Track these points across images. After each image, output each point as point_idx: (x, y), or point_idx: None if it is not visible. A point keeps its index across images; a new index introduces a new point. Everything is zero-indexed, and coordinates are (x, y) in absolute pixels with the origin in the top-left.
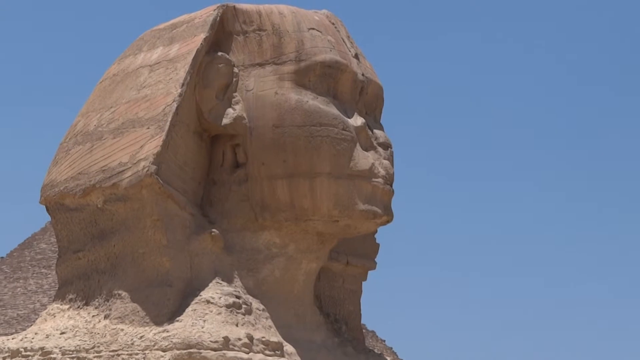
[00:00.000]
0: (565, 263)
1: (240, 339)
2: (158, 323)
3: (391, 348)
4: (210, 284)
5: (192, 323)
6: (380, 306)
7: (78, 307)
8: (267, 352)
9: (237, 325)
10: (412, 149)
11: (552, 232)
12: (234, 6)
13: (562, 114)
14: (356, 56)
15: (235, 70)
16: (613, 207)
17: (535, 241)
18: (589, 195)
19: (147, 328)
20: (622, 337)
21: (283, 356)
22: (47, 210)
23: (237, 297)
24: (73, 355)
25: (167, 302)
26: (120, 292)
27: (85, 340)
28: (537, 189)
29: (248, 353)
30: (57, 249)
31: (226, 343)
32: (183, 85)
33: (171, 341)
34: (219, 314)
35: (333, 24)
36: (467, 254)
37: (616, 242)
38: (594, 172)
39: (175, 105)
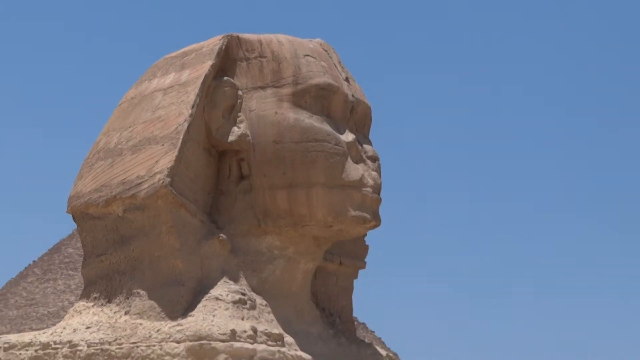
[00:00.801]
0: (543, 256)
1: (245, 331)
2: (173, 318)
3: (380, 338)
4: (219, 283)
5: (203, 317)
6: (370, 301)
7: (101, 305)
8: (269, 342)
9: (242, 319)
10: (398, 160)
11: (527, 228)
12: (238, 36)
13: (549, 121)
14: (347, 79)
15: (240, 92)
16: (600, 216)
17: (507, 235)
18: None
19: (163, 322)
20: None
21: (284, 346)
22: (74, 218)
23: (243, 294)
24: (97, 347)
25: (180, 299)
26: (139, 290)
27: (108, 334)
28: (511, 188)
29: (253, 344)
30: (82, 253)
31: (233, 335)
32: (193, 106)
33: (184, 334)
34: (227, 309)
35: (326, 51)
36: (448, 254)
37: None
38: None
39: (187, 125)
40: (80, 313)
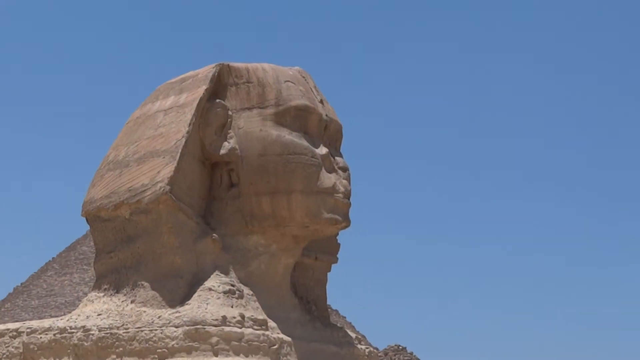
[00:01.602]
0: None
1: (234, 317)
2: (172, 306)
3: (350, 323)
4: (212, 276)
5: (198, 305)
6: (341, 291)
7: (111, 295)
8: (255, 327)
9: (232, 307)
10: (366, 171)
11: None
12: (228, 64)
13: (507, 123)
14: (321, 101)
15: (230, 113)
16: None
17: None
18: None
19: (163, 310)
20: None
21: (267, 330)
22: (87, 221)
23: (232, 285)
24: (107, 332)
25: (178, 290)
26: (143, 282)
27: (116, 320)
28: (459, 186)
29: (241, 328)
30: (95, 251)
31: (224, 320)
32: (190, 125)
33: (182, 320)
34: (219, 298)
35: (303, 77)
36: (408, 250)
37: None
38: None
39: (184, 140)
40: (93, 302)
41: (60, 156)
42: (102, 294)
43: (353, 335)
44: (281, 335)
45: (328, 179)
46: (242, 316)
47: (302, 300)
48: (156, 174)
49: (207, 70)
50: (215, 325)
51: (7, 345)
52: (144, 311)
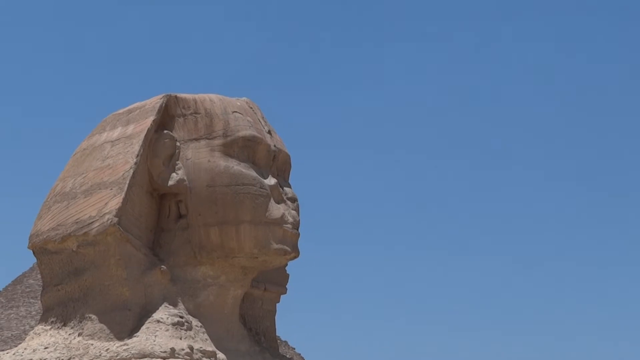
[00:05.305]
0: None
1: (183, 349)
2: (120, 338)
3: (300, 354)
4: (160, 308)
5: (147, 338)
6: (291, 321)
7: (58, 328)
8: (204, 358)
9: (181, 339)
10: (315, 202)
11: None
12: (176, 95)
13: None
14: (269, 132)
15: (177, 144)
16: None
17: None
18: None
19: (111, 342)
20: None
21: None
22: (34, 253)
23: (181, 317)
24: None
25: (127, 322)
26: (90, 315)
27: (63, 353)
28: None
29: None
30: (42, 284)
31: (173, 352)
32: (137, 156)
33: (130, 352)
34: (167, 330)
35: (251, 108)
36: (356, 280)
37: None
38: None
39: (132, 172)
40: (39, 335)
41: (5, 188)
42: (49, 327)
43: None
44: None
45: (277, 210)
46: (191, 348)
47: (252, 331)
48: (104, 206)
49: (155, 101)
50: (163, 358)
51: None
52: (92, 344)
